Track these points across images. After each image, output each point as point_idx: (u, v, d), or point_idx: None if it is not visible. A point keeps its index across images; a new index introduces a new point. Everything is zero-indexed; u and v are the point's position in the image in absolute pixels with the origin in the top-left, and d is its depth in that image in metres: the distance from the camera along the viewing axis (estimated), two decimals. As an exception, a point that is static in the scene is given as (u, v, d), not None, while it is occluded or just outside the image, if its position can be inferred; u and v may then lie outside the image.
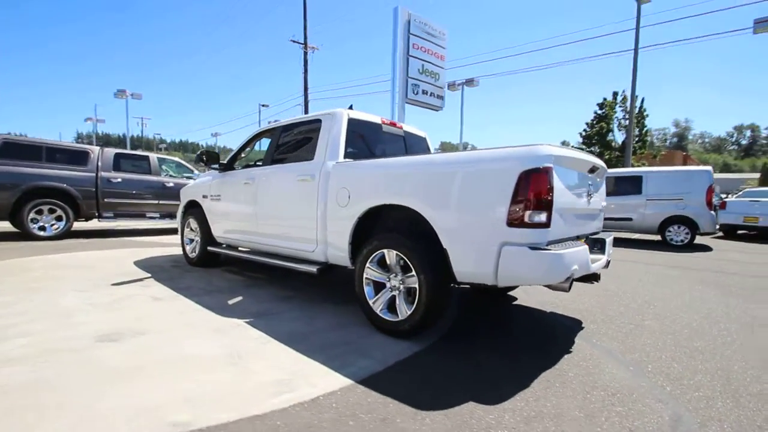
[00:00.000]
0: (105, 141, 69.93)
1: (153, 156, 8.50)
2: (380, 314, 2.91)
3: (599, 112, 31.47)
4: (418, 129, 4.51)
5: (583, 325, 3.27)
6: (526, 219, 2.23)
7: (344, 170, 3.25)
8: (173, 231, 9.23)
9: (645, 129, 30.77)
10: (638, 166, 25.89)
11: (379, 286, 2.99)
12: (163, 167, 8.63)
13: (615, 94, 31.30)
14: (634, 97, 16.59)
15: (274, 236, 3.91)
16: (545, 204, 2.24)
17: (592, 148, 30.18)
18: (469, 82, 21.18)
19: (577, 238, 2.87)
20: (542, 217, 2.25)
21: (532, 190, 2.22)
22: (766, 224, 9.35)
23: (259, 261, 4.05)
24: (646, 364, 2.55)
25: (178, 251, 6.26)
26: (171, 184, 8.47)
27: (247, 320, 3.09)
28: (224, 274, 4.72)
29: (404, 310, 2.77)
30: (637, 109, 29.79)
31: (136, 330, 2.78)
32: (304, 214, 3.52)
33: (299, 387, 2.09)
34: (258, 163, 4.70)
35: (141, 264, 5.15)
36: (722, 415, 1.96)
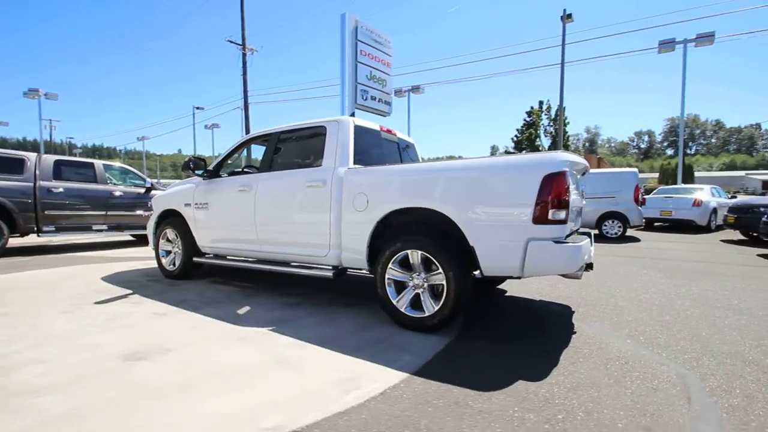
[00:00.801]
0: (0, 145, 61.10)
1: (98, 163, 7.77)
2: (405, 312, 3.06)
3: (527, 119, 34.30)
4: (406, 135, 4.73)
5: (572, 310, 3.70)
6: (550, 216, 2.54)
7: (361, 176, 3.36)
8: (123, 244, 8.50)
9: (566, 135, 34.00)
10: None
11: (399, 286, 3.15)
12: (108, 175, 7.92)
13: (541, 103, 34.37)
14: (562, 107, 18.39)
15: (279, 243, 3.88)
16: (564, 203, 2.57)
17: (523, 152, 32.69)
18: (416, 89, 21.97)
19: (574, 233, 3.27)
20: (562, 214, 2.57)
21: (554, 191, 2.54)
22: (678, 217, 10.98)
23: (262, 269, 3.99)
24: (638, 336, 2.99)
25: (144, 265, 5.84)
26: (119, 194, 7.81)
27: (270, 328, 3.07)
28: (214, 286, 4.53)
29: (430, 306, 2.96)
30: (559, 117, 33.04)
31: (158, 346, 2.65)
32: (315, 220, 3.56)
33: (363, 384, 2.18)
34: (247, 170, 4.61)
35: (112, 280, 4.75)
36: (712, 371, 2.41)
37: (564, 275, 2.76)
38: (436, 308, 2.91)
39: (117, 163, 8.53)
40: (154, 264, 5.86)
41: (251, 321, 3.24)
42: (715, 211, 11.08)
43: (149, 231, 5.19)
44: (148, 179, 8.41)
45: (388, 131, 4.22)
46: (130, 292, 4.17)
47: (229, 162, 4.65)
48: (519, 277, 2.75)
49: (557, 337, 2.96)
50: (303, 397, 2.03)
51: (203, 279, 4.86)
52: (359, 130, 3.75)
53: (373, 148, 4.04)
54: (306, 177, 3.65)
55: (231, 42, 26.43)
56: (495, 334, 3.01)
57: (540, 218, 2.56)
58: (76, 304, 3.68)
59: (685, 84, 15.69)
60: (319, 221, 3.53)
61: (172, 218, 4.91)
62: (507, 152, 34.34)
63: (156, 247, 5.02)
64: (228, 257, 4.52)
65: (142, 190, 8.20)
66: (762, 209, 7.99)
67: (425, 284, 3.02)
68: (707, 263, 6.33)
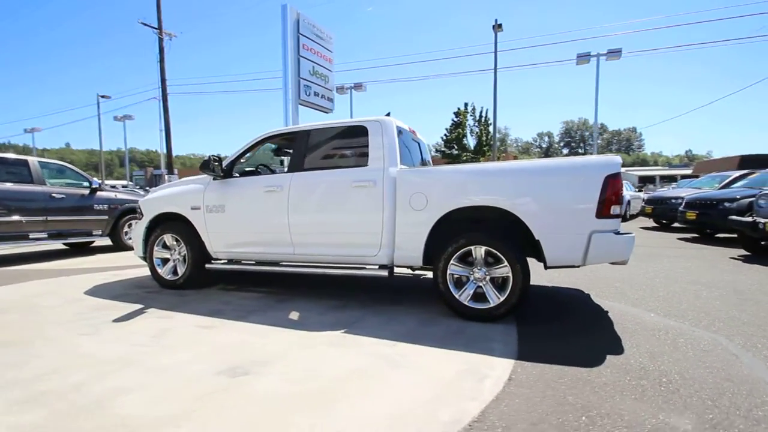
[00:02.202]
0: None
1: (33, 160, 6.60)
2: (469, 305, 3.25)
3: (455, 119, 36.31)
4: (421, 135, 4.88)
5: (586, 292, 4.20)
6: (611, 211, 2.92)
7: (419, 176, 3.45)
8: (65, 254, 7.34)
9: (489, 135, 36.71)
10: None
11: (458, 281, 3.32)
12: (45, 173, 6.79)
13: (466, 104, 36.60)
14: (495, 110, 19.91)
15: (317, 245, 3.78)
16: (620, 199, 2.96)
17: (452, 150, 34.59)
18: (358, 86, 21.99)
19: None
20: (618, 209, 2.96)
21: (614, 189, 2.92)
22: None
23: (300, 272, 3.86)
24: (655, 310, 3.53)
25: (115, 276, 5.19)
26: (60, 196, 6.75)
27: (342, 331, 3.03)
28: (231, 293, 4.23)
29: (495, 297, 3.18)
30: (483, 118, 35.57)
31: (251, 360, 2.49)
32: (364, 220, 3.56)
33: (486, 372, 2.32)
34: (258, 169, 4.38)
35: (99, 294, 4.17)
36: (728, 333, 2.98)
37: (614, 262, 3.17)
38: (502, 298, 3.14)
39: (55, 161, 7.33)
40: (126, 274, 5.29)
41: (315, 325, 3.16)
42: (629, 202, 13.01)
43: (137, 238, 4.63)
44: (95, 179, 7.36)
45: (413, 132, 4.34)
46: (140, 306, 3.73)
47: (242, 161, 4.36)
48: (578, 266, 3.10)
49: (597, 316, 3.37)
50: (446, 392, 2.10)
51: (209, 287, 4.49)
52: (398, 130, 3.81)
53: (404, 147, 4.12)
54: (352, 177, 3.62)
55: (145, 25, 23.91)
56: (541, 318, 3.33)
57: (603, 213, 2.92)
58: (91, 323, 3.21)
59: (598, 91, 18.12)
60: (370, 221, 3.54)
61: (170, 222, 4.45)
62: (442, 150, 36.06)
63: (150, 256, 4.50)
64: (242, 262, 4.26)
65: (87, 191, 7.17)
66: (673, 201, 9.65)
67: (487, 277, 3.24)
68: (644, 247, 7.49)
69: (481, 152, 33.89)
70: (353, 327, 3.11)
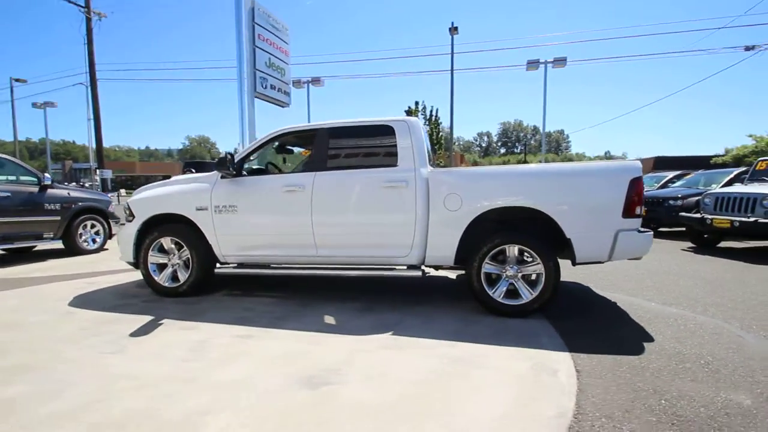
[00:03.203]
0: None
1: (-31, 153, 5.65)
2: (502, 301, 3.38)
3: (406, 117, 36.85)
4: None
5: (584, 285, 4.54)
6: (636, 211, 3.20)
7: (453, 177, 3.51)
8: (7, 260, 6.38)
9: (440, 134, 37.74)
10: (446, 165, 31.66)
11: (490, 278, 3.45)
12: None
13: (417, 103, 37.30)
14: (452, 110, 20.51)
15: (344, 246, 3.70)
16: (642, 200, 3.26)
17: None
18: (316, 81, 21.44)
19: None
20: (640, 209, 3.26)
21: (637, 190, 3.20)
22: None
23: (326, 275, 3.74)
24: (652, 298, 3.93)
25: (92, 285, 4.66)
26: (5, 194, 5.87)
27: (390, 333, 3.01)
28: (246, 299, 3.98)
29: (528, 293, 3.34)
30: (433, 117, 36.51)
31: (321, 368, 2.40)
32: (396, 220, 3.55)
33: (554, 366, 2.45)
34: (267, 168, 4.17)
35: (91, 305, 3.71)
36: (728, 317, 3.41)
37: (632, 257, 3.47)
38: (535, 294, 3.32)
39: (-3, 154, 6.33)
40: (100, 282, 4.80)
41: (359, 329, 3.10)
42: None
43: (127, 241, 4.18)
44: (47, 175, 6.47)
45: (428, 131, 4.38)
46: (150, 317, 3.39)
47: (252, 159, 4.12)
48: (602, 262, 3.36)
49: (610, 307, 3.68)
50: (532, 386, 2.20)
51: (212, 294, 4.20)
52: None
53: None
54: (382, 178, 3.58)
55: (71, 2, 21.51)
56: (564, 312, 3.53)
57: (628, 213, 3.19)
58: (107, 340, 2.87)
59: (546, 96, 19.45)
60: (401, 222, 3.54)
61: (169, 225, 4.08)
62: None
63: (144, 262, 4.09)
64: (253, 265, 4.03)
65: (35, 189, 6.30)
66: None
67: (518, 274, 3.39)
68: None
69: (432, 150, 34.71)
70: (398, 329, 3.10)
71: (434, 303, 3.80)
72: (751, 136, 31.57)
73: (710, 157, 42.11)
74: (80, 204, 6.88)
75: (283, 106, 14.33)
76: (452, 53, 19.14)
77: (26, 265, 5.99)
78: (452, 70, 19.23)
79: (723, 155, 42.42)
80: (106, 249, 7.41)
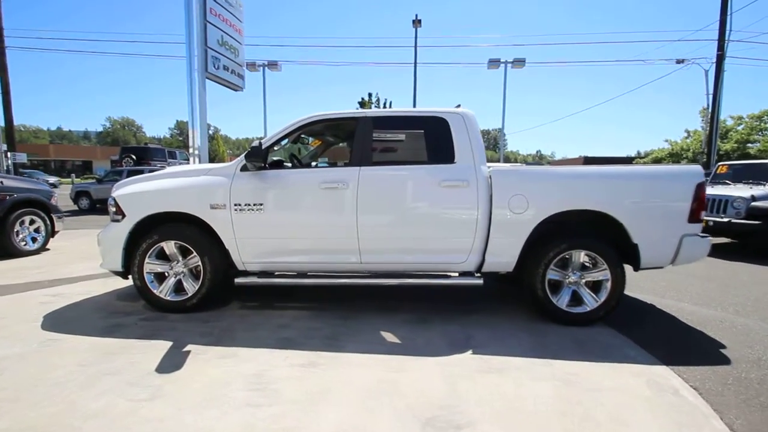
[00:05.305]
0: None
1: None
2: (567, 309, 3.21)
3: (360, 110, 36.19)
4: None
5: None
6: (700, 216, 3.17)
7: (519, 177, 3.24)
8: None
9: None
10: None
11: (553, 285, 3.26)
12: None
13: (370, 95, 36.73)
14: (415, 104, 20.36)
15: (393, 252, 3.28)
16: (704, 205, 3.24)
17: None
18: (272, 65, 20.02)
19: None
20: (703, 214, 3.24)
21: (701, 195, 3.17)
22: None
23: (372, 284, 3.30)
24: (682, 298, 4.01)
25: (57, 298, 3.77)
26: None
27: (471, 352, 2.69)
28: (268, 313, 3.42)
29: (592, 300, 3.20)
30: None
31: (424, 406, 2.01)
32: (455, 223, 3.22)
33: (669, 384, 2.31)
34: (302, 161, 3.61)
35: (76, 328, 2.93)
36: (762, 318, 3.55)
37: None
38: (601, 302, 3.18)
39: None
40: (65, 292, 3.97)
41: (432, 348, 2.74)
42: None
43: (113, 246, 3.38)
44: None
45: None
46: (168, 342, 2.73)
47: (276, 149, 3.52)
48: (662, 267, 3.31)
49: (654, 311, 3.68)
50: (670, 411, 2.02)
51: (223, 307, 3.56)
52: None
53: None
54: (439, 175, 3.21)
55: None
56: (614, 317, 3.45)
57: (694, 218, 3.15)
58: (127, 380, 2.22)
59: (506, 94, 20.04)
60: (461, 224, 3.21)
61: (172, 225, 3.37)
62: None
63: (140, 271, 3.34)
64: (274, 273, 3.47)
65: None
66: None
67: (582, 281, 3.24)
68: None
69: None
70: (474, 346, 2.78)
71: (483, 311, 3.53)
72: (667, 140, 35.47)
73: (633, 158, 46.73)
74: (16, 195, 5.64)
75: (236, 90, 13.18)
76: (415, 46, 18.99)
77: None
78: (415, 63, 19.10)
79: (643, 157, 47.32)
80: (48, 249, 6.19)
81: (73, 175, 30.91)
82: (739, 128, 29.01)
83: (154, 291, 3.38)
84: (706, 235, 3.29)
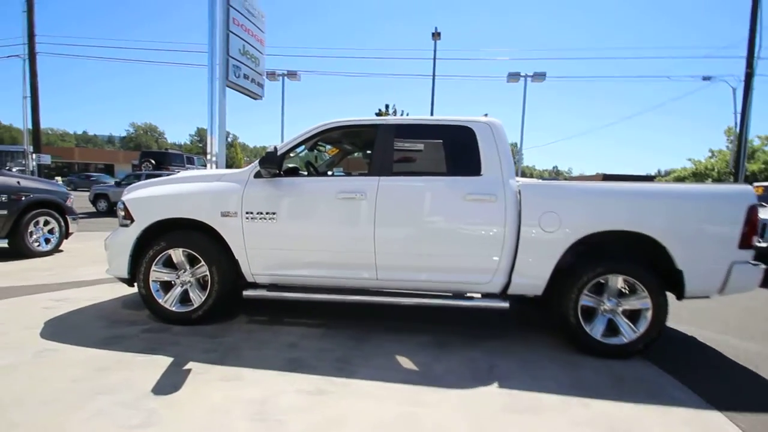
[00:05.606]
0: None
1: None
2: (602, 340, 2.92)
3: (376, 119, 36.32)
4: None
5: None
6: (752, 241, 2.87)
7: (551, 192, 3.01)
8: None
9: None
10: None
11: (585, 313, 2.98)
12: None
13: (387, 106, 36.93)
14: (433, 114, 20.28)
15: (413, 269, 3.07)
16: (756, 230, 2.94)
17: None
18: (292, 74, 20.24)
19: None
20: (755, 240, 2.93)
21: (754, 219, 2.87)
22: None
23: (389, 302, 3.08)
24: (719, 329, 3.65)
25: (62, 302, 3.64)
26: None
27: (497, 385, 2.43)
28: (276, 329, 3.21)
29: (630, 331, 2.90)
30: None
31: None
32: (479, 240, 2.99)
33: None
34: (319, 170, 3.44)
35: (72, 338, 2.77)
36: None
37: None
38: (640, 333, 2.88)
39: None
40: (71, 296, 3.86)
41: (449, 378, 2.48)
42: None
43: (120, 251, 3.25)
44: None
45: None
46: (168, 358, 2.55)
47: (292, 156, 3.37)
48: (707, 297, 3.00)
49: (693, 343, 3.35)
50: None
51: (229, 321, 3.38)
52: None
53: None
54: (465, 188, 2.99)
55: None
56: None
57: (745, 243, 2.85)
58: (120, 401, 2.03)
59: (525, 107, 19.81)
60: (485, 242, 2.98)
61: (181, 232, 3.22)
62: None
63: (145, 278, 3.19)
64: (284, 287, 3.27)
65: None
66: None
67: (618, 309, 2.95)
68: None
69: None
70: (500, 377, 2.52)
71: (505, 336, 3.26)
72: (690, 159, 34.56)
73: (654, 177, 45.61)
74: (32, 196, 5.62)
75: (255, 98, 13.21)
76: (434, 58, 18.96)
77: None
78: (434, 75, 19.04)
79: (663, 175, 46.19)
80: (61, 251, 6.16)
81: (59, 178, 30.64)
82: (766, 149, 28.08)
83: (159, 300, 3.22)
84: (759, 263, 2.98)
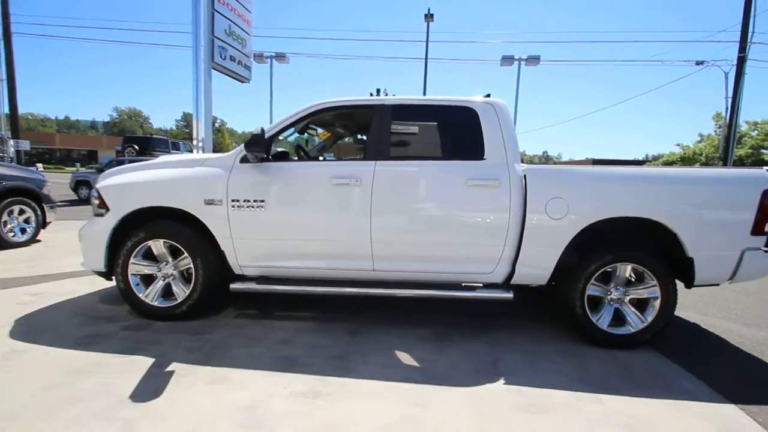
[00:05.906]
0: None
1: None
2: (609, 330, 2.81)
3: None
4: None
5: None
6: (765, 228, 2.75)
7: (558, 177, 2.83)
8: None
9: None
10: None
11: (592, 303, 2.85)
12: None
13: (378, 90, 36.43)
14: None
15: (411, 259, 2.89)
16: (769, 215, 2.81)
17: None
18: (280, 57, 19.58)
19: None
20: None
21: (767, 204, 2.75)
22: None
23: (386, 294, 2.90)
24: (725, 316, 3.58)
25: (37, 297, 3.41)
26: None
27: (503, 382, 2.30)
28: (268, 322, 3.04)
29: (638, 321, 2.80)
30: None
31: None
32: (482, 228, 2.83)
33: (743, 428, 1.90)
34: (309, 154, 3.22)
35: (45, 337, 2.56)
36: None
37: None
38: (647, 323, 2.78)
39: None
40: (45, 290, 3.61)
41: (454, 374, 2.34)
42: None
43: (95, 243, 3.02)
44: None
45: None
46: (150, 359, 2.36)
47: (280, 139, 3.13)
48: (717, 284, 2.89)
49: (700, 331, 3.26)
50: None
51: (216, 315, 3.18)
52: None
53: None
54: (466, 173, 2.81)
55: (-26, -69, 18.00)
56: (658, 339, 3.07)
57: (758, 230, 2.73)
58: (98, 409, 1.84)
59: (518, 92, 19.52)
60: (489, 230, 2.82)
61: (161, 222, 2.99)
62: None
63: (124, 272, 2.97)
64: (274, 279, 3.08)
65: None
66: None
67: (625, 298, 2.84)
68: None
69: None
70: (505, 373, 2.39)
71: (508, 327, 3.13)
72: (678, 144, 34.86)
73: (642, 161, 46.02)
74: (5, 183, 5.29)
75: (242, 81, 12.75)
76: (427, 41, 18.52)
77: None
78: (426, 58, 18.64)
79: (651, 160, 46.59)
80: (39, 241, 5.85)
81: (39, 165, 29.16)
82: (753, 134, 28.36)
83: (140, 295, 3.00)
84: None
